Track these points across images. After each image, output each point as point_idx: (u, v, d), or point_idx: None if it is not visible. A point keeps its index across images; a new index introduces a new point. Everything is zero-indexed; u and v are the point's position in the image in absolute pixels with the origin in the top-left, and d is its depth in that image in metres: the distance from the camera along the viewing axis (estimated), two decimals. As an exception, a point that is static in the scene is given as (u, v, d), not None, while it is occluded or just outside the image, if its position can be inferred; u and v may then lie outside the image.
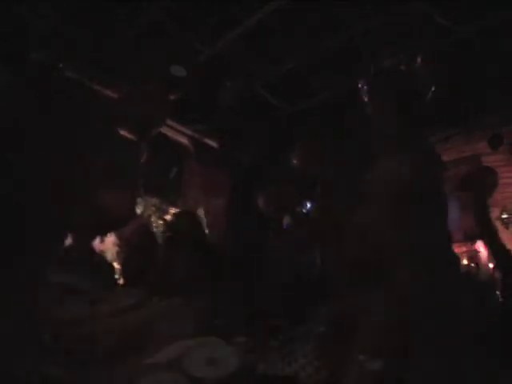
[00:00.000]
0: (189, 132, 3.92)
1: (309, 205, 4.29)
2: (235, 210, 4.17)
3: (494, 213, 4.24)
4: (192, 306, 1.44)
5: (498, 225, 4.20)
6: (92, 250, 3.21)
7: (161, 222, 4.29)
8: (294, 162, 3.47)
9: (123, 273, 2.81)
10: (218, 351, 1.12)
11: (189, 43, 2.94)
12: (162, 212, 4.49)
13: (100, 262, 3.20)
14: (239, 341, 1.29)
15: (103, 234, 3.56)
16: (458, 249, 3.82)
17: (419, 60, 2.73)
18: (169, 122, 3.42)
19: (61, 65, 2.66)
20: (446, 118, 3.64)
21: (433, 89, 2.42)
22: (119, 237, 3.21)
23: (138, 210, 4.09)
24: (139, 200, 4.03)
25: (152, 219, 4.35)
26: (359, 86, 2.08)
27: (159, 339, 1.21)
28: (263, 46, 3.07)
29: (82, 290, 2.01)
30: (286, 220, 4.30)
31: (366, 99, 2.12)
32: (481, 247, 3.45)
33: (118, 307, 1.36)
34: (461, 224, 3.75)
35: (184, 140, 3.95)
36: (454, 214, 3.72)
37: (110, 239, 3.93)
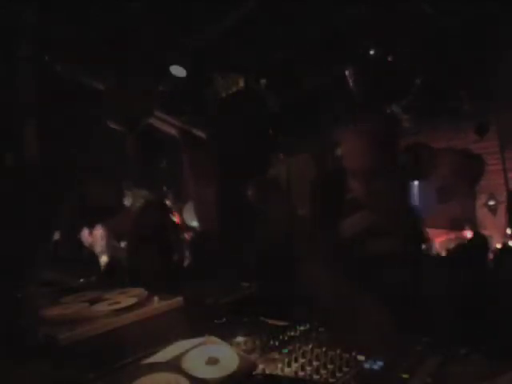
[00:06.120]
0: (178, 123, 3.89)
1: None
2: (224, 198, 4.17)
3: (481, 199, 4.30)
4: (191, 306, 1.44)
5: (485, 211, 4.28)
6: (81, 245, 3.20)
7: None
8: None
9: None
10: (218, 351, 1.13)
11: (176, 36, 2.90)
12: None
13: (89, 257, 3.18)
14: (239, 341, 1.30)
15: (90, 224, 3.53)
16: (445, 236, 3.86)
17: (405, 49, 2.73)
18: (157, 113, 3.39)
19: (48, 59, 2.61)
20: (434, 107, 3.67)
21: (418, 78, 2.42)
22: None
23: (127, 202, 4.07)
24: (127, 191, 4.01)
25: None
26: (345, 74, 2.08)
27: (159, 339, 1.21)
28: (250, 37, 3.05)
29: (72, 286, 2.00)
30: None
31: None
32: (468, 234, 3.51)
33: (118, 307, 1.36)
34: (449, 211, 3.80)
35: (173, 131, 3.92)
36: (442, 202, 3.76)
37: (98, 232, 3.91)
